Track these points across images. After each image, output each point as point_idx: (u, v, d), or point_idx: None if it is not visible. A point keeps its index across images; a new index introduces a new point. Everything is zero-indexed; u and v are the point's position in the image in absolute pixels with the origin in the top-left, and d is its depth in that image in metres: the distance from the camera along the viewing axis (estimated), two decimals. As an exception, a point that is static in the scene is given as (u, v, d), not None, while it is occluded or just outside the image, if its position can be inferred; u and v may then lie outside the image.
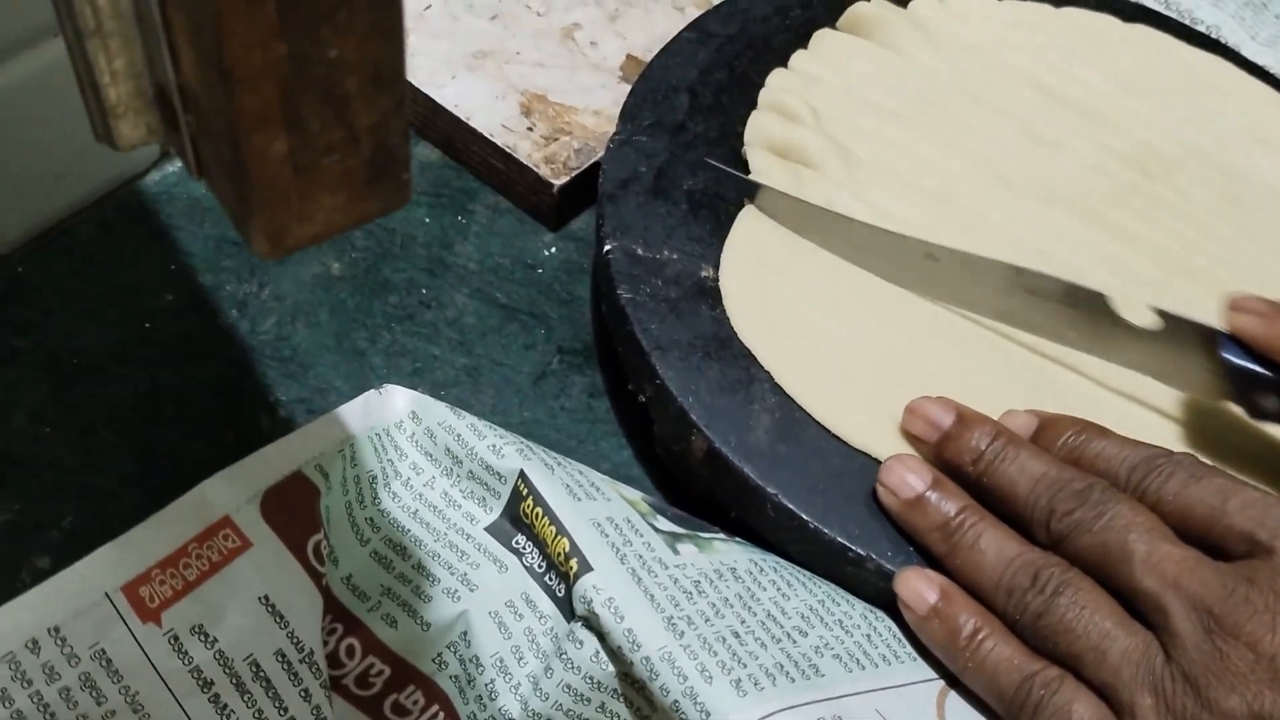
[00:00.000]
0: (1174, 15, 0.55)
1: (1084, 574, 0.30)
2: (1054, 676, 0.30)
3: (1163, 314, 0.34)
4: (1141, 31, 0.48)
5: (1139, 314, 0.35)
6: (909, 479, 0.32)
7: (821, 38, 0.45)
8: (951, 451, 0.33)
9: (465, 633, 0.31)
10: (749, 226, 0.38)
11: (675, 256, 0.38)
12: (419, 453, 0.34)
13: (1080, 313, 0.35)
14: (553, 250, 0.45)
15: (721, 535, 0.35)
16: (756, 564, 0.33)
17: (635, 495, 0.35)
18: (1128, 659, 0.29)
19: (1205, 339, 0.34)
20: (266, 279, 0.42)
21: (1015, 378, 0.36)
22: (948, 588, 0.32)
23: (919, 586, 0.32)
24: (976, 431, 0.33)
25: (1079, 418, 0.34)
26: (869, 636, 0.32)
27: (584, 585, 0.29)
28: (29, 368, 0.39)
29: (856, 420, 0.35)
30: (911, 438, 0.34)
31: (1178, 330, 0.34)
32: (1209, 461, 0.31)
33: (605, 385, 0.42)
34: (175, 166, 0.45)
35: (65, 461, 0.37)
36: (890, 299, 0.38)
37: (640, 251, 0.38)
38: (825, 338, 0.36)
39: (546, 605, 0.31)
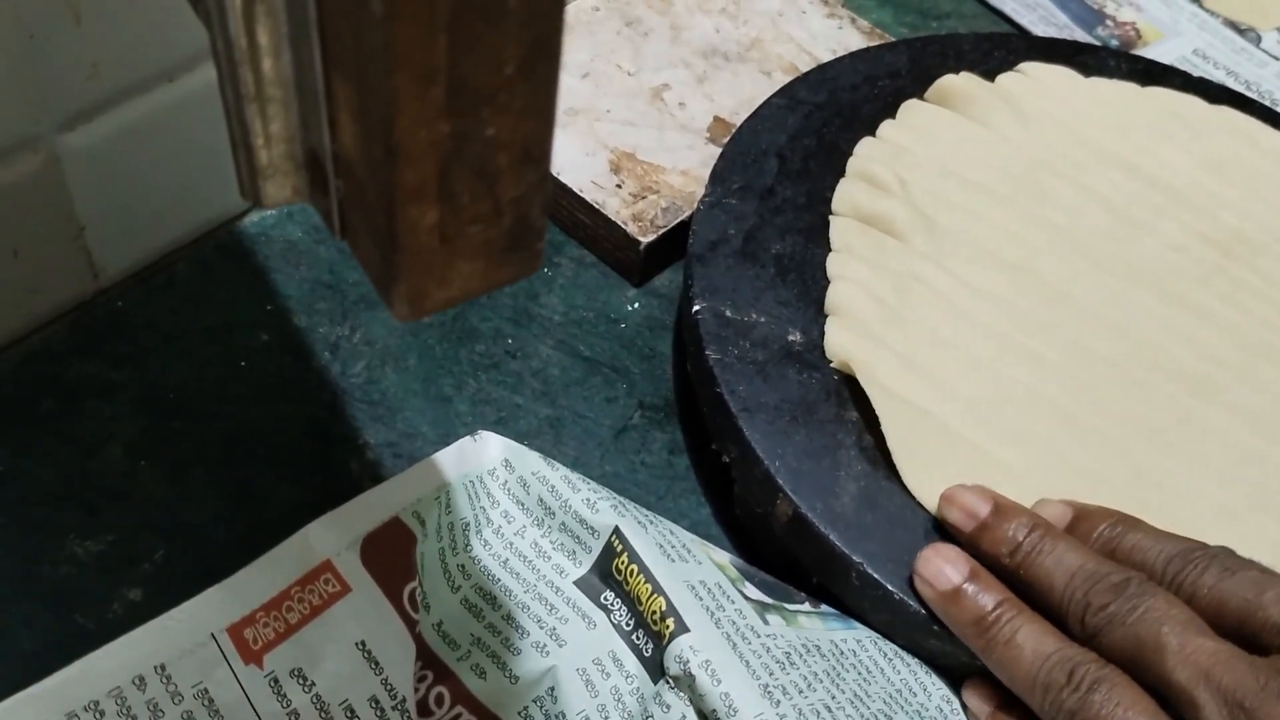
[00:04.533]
0: (1256, 97, 0.55)
1: (1120, 670, 0.30)
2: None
3: None
4: (1226, 114, 0.48)
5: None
6: (946, 570, 0.32)
7: (910, 108, 0.46)
8: (989, 542, 0.33)
9: (552, 689, 0.31)
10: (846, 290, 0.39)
11: (763, 319, 0.39)
12: (511, 501, 0.34)
13: None
14: (636, 305, 0.46)
15: (806, 607, 0.35)
16: (837, 644, 0.34)
17: (724, 559, 0.35)
18: None
19: None
20: (359, 323, 0.43)
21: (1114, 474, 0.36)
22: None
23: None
24: (1014, 522, 0.33)
25: (1114, 509, 0.34)
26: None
27: (680, 645, 0.30)
28: (125, 402, 0.40)
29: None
30: (950, 526, 0.34)
31: None
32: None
33: (685, 443, 0.42)
34: (272, 210, 0.46)
35: (158, 496, 0.38)
36: (1001, 375, 0.38)
37: (728, 313, 0.39)
38: (918, 405, 0.37)
39: (633, 664, 0.31)
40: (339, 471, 0.39)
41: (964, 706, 0.33)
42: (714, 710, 0.29)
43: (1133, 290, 0.41)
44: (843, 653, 0.34)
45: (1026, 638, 0.31)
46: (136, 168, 0.41)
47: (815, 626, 0.34)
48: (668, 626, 0.31)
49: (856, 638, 0.34)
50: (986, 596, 0.32)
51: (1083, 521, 0.34)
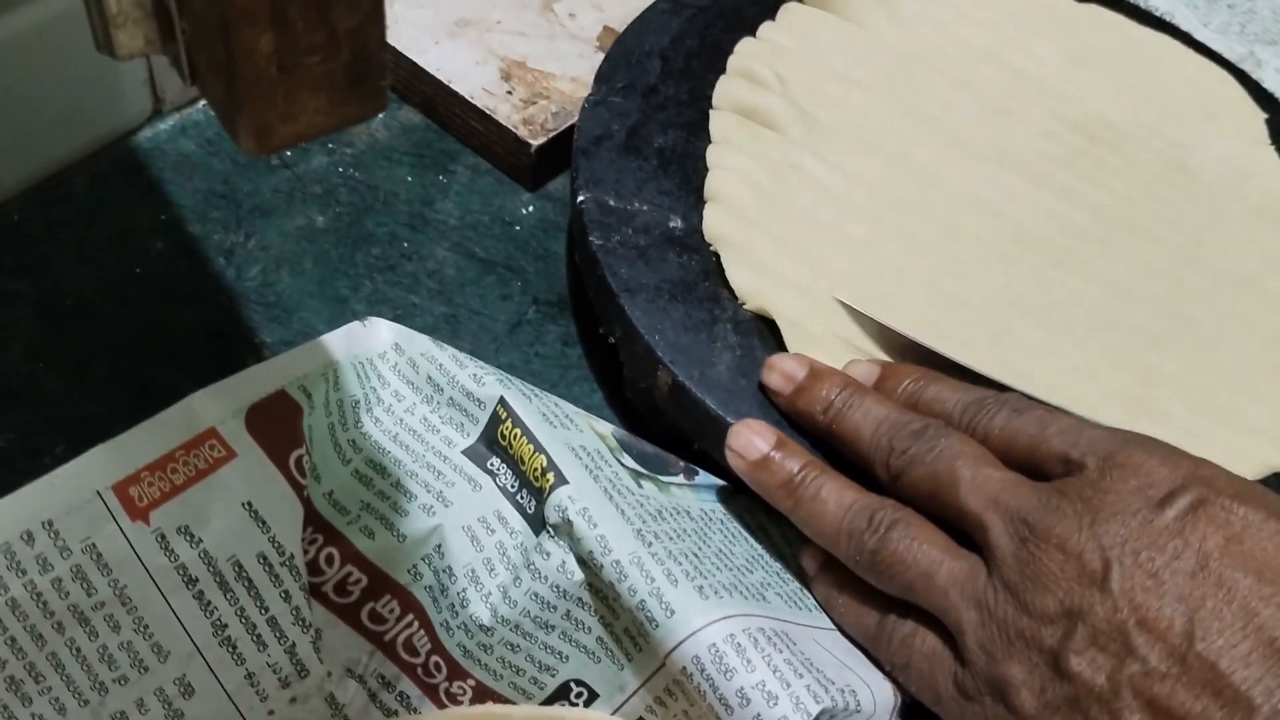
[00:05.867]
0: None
1: (915, 512, 0.32)
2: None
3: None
4: (1095, 11, 0.50)
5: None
6: (755, 441, 0.34)
7: (789, 10, 0.47)
8: (804, 402, 0.35)
9: (439, 546, 0.33)
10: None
11: (645, 208, 0.40)
12: (401, 381, 0.35)
13: None
14: (530, 209, 0.47)
15: (680, 479, 0.37)
16: (706, 512, 0.35)
17: (606, 429, 0.37)
18: (954, 579, 0.30)
19: None
20: (253, 229, 0.44)
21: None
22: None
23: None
24: (826, 383, 0.35)
25: (917, 366, 0.36)
26: (804, 588, 0.34)
27: (560, 495, 0.31)
28: (24, 308, 0.41)
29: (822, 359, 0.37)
30: (770, 392, 0.36)
31: None
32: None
33: (578, 334, 0.43)
34: (167, 124, 0.47)
35: (58, 395, 0.39)
36: (875, 250, 0.40)
37: (612, 203, 0.40)
38: (797, 283, 0.38)
39: (517, 521, 0.33)
40: (236, 369, 0.40)
41: (800, 569, 0.35)
42: (590, 552, 0.31)
43: (1001, 174, 0.43)
44: (710, 518, 0.35)
45: (830, 493, 0.33)
46: (27, 80, 0.41)
47: (687, 496, 0.36)
48: (548, 480, 0.32)
49: (725, 509, 0.36)
50: (792, 461, 0.34)
51: (889, 379, 0.36)
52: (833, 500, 0.33)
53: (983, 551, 0.31)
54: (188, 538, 0.29)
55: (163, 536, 0.29)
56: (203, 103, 0.47)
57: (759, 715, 0.28)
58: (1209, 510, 0.28)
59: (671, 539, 0.32)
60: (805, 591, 0.34)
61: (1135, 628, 0.27)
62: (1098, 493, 0.29)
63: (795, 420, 0.36)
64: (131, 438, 0.29)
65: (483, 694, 0.33)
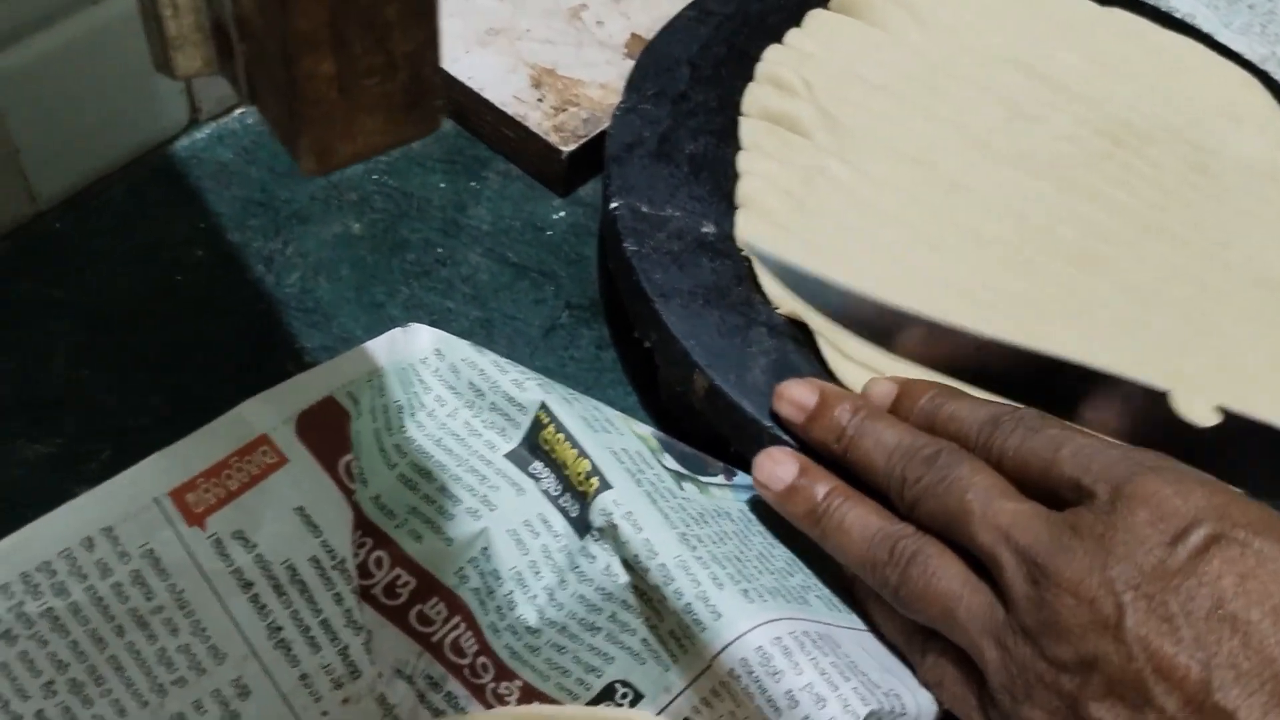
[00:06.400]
0: (1149, 1, 0.57)
1: (935, 541, 0.31)
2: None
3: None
4: (1117, 15, 0.51)
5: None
6: (777, 471, 0.34)
7: (814, 17, 0.48)
8: (818, 431, 0.35)
9: (485, 549, 0.33)
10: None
11: (678, 214, 0.41)
12: (443, 386, 0.36)
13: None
14: (561, 214, 0.47)
15: (720, 480, 0.37)
16: (746, 514, 0.36)
17: (645, 431, 0.37)
18: (973, 616, 0.30)
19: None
20: (291, 237, 0.45)
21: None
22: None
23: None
24: (837, 409, 0.34)
25: (934, 382, 0.36)
26: (846, 590, 0.35)
27: (604, 500, 0.32)
28: (66, 317, 0.42)
29: (848, 365, 0.37)
30: (784, 421, 0.36)
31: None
32: None
33: (611, 337, 0.44)
34: (204, 133, 0.47)
35: (102, 403, 0.40)
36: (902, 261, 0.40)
37: (644, 209, 0.41)
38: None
39: (560, 525, 0.34)
40: (277, 375, 0.40)
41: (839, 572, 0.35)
42: (636, 555, 0.31)
43: (1026, 179, 0.44)
44: (751, 519, 0.36)
45: (854, 521, 0.33)
46: (67, 90, 0.42)
47: (726, 497, 0.36)
48: (592, 485, 0.33)
49: (764, 510, 0.37)
50: (816, 488, 0.34)
51: (905, 398, 0.35)
52: (856, 529, 0.33)
53: (998, 587, 0.30)
54: (242, 542, 0.30)
55: (218, 541, 0.29)
56: (239, 111, 0.48)
57: (807, 717, 0.29)
58: (1223, 546, 0.27)
59: (715, 542, 0.33)
60: (844, 595, 0.35)
61: (1152, 676, 0.27)
62: (1109, 529, 0.28)
63: (812, 448, 0.35)
64: (186, 446, 0.30)
65: (530, 694, 0.33)
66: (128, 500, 0.28)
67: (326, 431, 0.32)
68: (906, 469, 0.32)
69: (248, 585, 0.30)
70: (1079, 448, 0.30)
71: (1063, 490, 0.30)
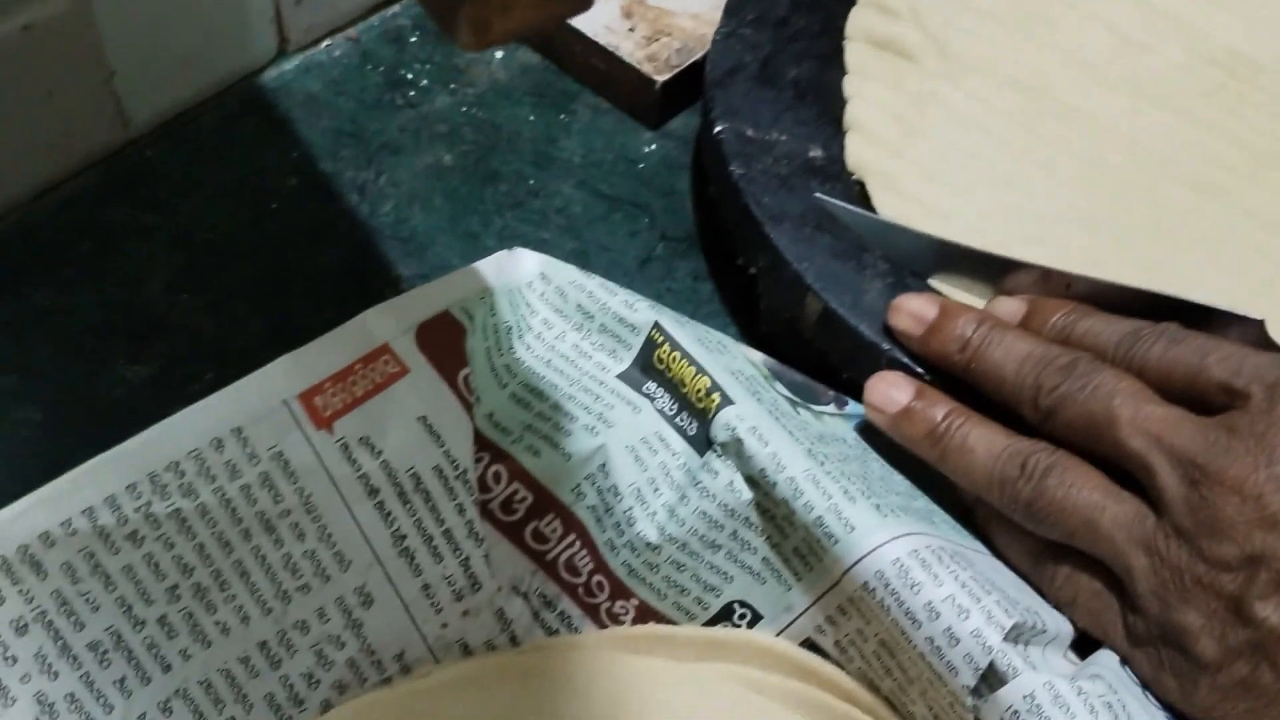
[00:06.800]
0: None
1: (1070, 454, 0.30)
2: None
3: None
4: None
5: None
6: (892, 394, 0.33)
7: (915, -56, 0.47)
8: (938, 342, 0.33)
9: (604, 465, 0.32)
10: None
11: (784, 138, 0.40)
12: (549, 309, 0.35)
13: None
14: (653, 147, 0.47)
15: (832, 409, 0.36)
16: (860, 441, 0.35)
17: (757, 358, 0.36)
18: (1118, 525, 0.29)
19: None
20: (383, 168, 0.44)
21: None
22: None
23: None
24: (961, 320, 0.33)
25: (1067, 300, 0.34)
26: (964, 517, 0.34)
27: (728, 414, 0.31)
28: (162, 243, 0.41)
29: (965, 285, 0.36)
30: (900, 334, 0.35)
31: None
32: None
33: (709, 270, 0.43)
34: (292, 64, 0.47)
35: (202, 326, 0.39)
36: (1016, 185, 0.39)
37: (750, 133, 0.40)
38: (944, 212, 0.38)
39: (678, 443, 0.33)
40: (376, 302, 0.40)
41: (957, 500, 0.34)
42: (762, 469, 0.30)
43: (1141, 106, 0.42)
44: (865, 447, 0.35)
45: (978, 440, 0.32)
46: (162, 15, 0.41)
47: (840, 426, 0.36)
48: (713, 401, 0.32)
49: (876, 439, 0.36)
50: (935, 409, 0.32)
51: (1036, 314, 0.34)
52: (981, 447, 0.31)
53: (1148, 494, 0.29)
54: (369, 449, 0.29)
55: (345, 446, 0.29)
56: (326, 43, 0.47)
57: (950, 628, 0.28)
58: None
59: (839, 461, 0.32)
60: (965, 521, 0.34)
61: None
62: (1270, 427, 0.28)
63: (929, 364, 0.34)
64: (312, 350, 0.29)
65: (645, 614, 0.33)
66: (257, 401, 0.28)
67: (445, 344, 0.31)
68: (1042, 376, 0.31)
69: (374, 492, 0.29)
70: (1227, 353, 0.30)
71: (1211, 395, 0.30)
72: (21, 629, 0.27)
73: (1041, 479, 0.30)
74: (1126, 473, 0.30)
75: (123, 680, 0.28)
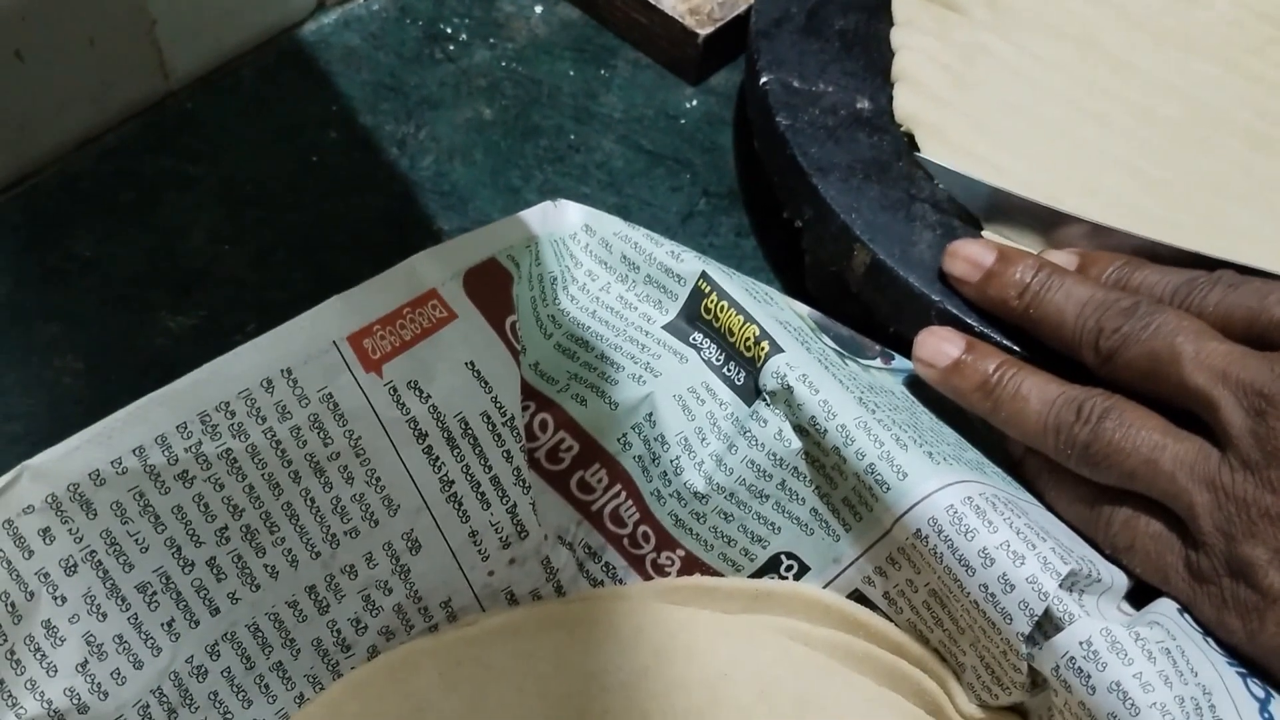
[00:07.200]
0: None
1: (1127, 399, 0.30)
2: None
3: None
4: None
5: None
6: (944, 347, 0.33)
7: (961, -103, 0.46)
8: (996, 288, 0.33)
9: (650, 414, 0.32)
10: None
11: (831, 89, 0.39)
12: (594, 261, 0.35)
13: None
14: (694, 103, 0.46)
15: (878, 364, 0.36)
16: (908, 394, 0.35)
17: (803, 310, 0.36)
18: (1180, 463, 0.29)
19: None
20: (423, 121, 0.44)
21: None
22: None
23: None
24: (1020, 266, 0.33)
25: (1121, 254, 0.34)
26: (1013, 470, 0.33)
27: (777, 362, 0.31)
28: (204, 193, 0.41)
29: (1017, 237, 0.36)
30: (955, 280, 0.34)
31: None
32: None
33: (751, 226, 0.43)
34: (330, 18, 0.46)
35: (244, 277, 0.39)
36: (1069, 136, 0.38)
37: (796, 84, 0.39)
38: (994, 164, 0.37)
39: (725, 394, 0.32)
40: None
41: (1006, 454, 0.34)
42: (812, 418, 0.30)
43: (1191, 59, 0.42)
44: (913, 399, 0.34)
45: (1031, 388, 0.31)
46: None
47: (887, 380, 0.35)
48: (762, 349, 0.31)
49: (924, 393, 0.35)
50: (986, 361, 0.32)
51: (1091, 266, 0.34)
52: (1035, 395, 0.31)
53: (1210, 430, 0.29)
54: (417, 392, 0.29)
55: (394, 390, 0.29)
56: (365, -4, 0.47)
57: (1004, 575, 0.27)
58: None
59: (890, 410, 0.31)
60: (1015, 474, 0.33)
61: None
62: None
63: (984, 309, 0.34)
64: (361, 293, 0.29)
65: (691, 565, 0.32)
66: (307, 342, 0.28)
67: (492, 291, 0.31)
68: (1104, 319, 0.31)
69: (422, 435, 0.29)
70: None
71: (1272, 334, 0.29)
72: (71, 568, 0.27)
73: (1100, 421, 0.30)
74: (1186, 417, 0.30)
75: (170, 622, 0.28)
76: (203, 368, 0.27)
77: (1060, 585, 0.27)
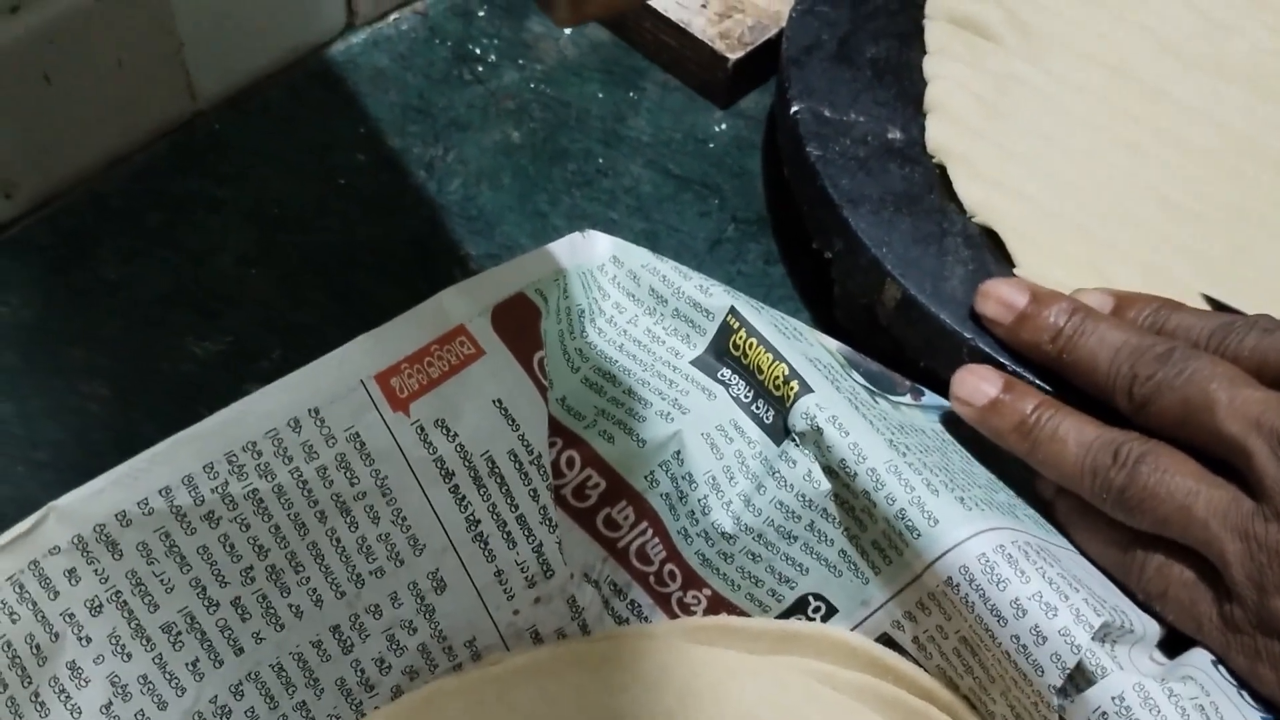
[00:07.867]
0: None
1: (1163, 443, 0.30)
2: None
3: None
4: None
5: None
6: (982, 386, 0.32)
7: (996, -80, 0.45)
8: (1029, 331, 0.33)
9: (678, 452, 0.32)
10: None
11: (862, 119, 0.39)
12: (621, 294, 0.35)
13: None
14: (723, 126, 0.46)
15: (908, 400, 0.35)
16: (940, 432, 0.34)
17: (832, 345, 0.35)
18: (1214, 510, 0.28)
19: None
20: (451, 144, 0.44)
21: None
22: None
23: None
24: (1053, 308, 0.32)
25: (1156, 295, 0.33)
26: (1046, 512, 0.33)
27: (807, 403, 0.30)
28: (231, 215, 0.41)
29: (1055, 275, 0.35)
30: (988, 321, 0.34)
31: None
32: None
33: (780, 253, 0.42)
34: (359, 38, 0.46)
35: (270, 301, 0.39)
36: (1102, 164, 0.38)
37: (827, 113, 0.39)
38: (1026, 196, 0.37)
39: (754, 432, 0.32)
40: (443, 280, 0.39)
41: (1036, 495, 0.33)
42: (842, 460, 0.30)
43: (1225, 87, 0.41)
44: (945, 437, 0.34)
45: (1069, 430, 0.31)
46: (229, -9, 0.41)
47: (918, 417, 0.35)
48: (791, 389, 0.31)
49: (956, 431, 0.35)
50: (1024, 401, 0.32)
51: (1126, 306, 0.33)
52: (1072, 438, 0.31)
53: (1244, 478, 0.29)
54: (444, 431, 0.29)
55: (421, 429, 0.29)
56: (394, 17, 0.47)
57: (1036, 626, 0.27)
58: None
59: (921, 452, 0.31)
60: (1047, 516, 0.33)
61: None
62: None
63: (1017, 352, 0.34)
64: (389, 330, 0.29)
65: (717, 604, 0.32)
66: (335, 381, 0.28)
67: (520, 326, 0.31)
68: (1138, 365, 0.31)
69: (449, 475, 0.29)
70: None
71: None
72: (96, 609, 0.27)
73: (1135, 465, 0.30)
74: (1221, 463, 0.30)
75: (195, 662, 0.28)
76: (230, 407, 0.27)
77: (1093, 638, 0.27)
